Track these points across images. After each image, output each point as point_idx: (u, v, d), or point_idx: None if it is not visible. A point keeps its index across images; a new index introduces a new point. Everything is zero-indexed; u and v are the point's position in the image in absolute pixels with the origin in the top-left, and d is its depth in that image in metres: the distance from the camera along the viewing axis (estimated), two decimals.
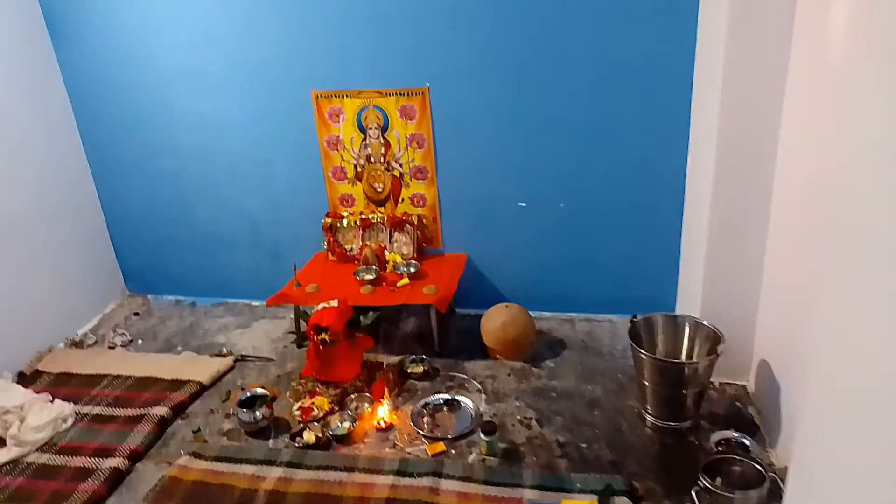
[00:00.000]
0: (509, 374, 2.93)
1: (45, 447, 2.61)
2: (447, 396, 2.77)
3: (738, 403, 2.63)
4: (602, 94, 2.89)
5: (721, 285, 2.60)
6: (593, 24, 2.77)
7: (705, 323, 2.55)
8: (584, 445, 2.48)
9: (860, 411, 1.12)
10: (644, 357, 2.44)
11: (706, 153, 2.52)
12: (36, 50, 3.30)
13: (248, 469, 2.43)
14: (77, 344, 3.40)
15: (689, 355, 2.60)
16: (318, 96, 3.16)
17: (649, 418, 2.56)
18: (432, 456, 2.46)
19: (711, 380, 2.63)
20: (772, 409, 2.41)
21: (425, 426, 2.62)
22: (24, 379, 3.07)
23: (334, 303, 2.89)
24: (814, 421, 1.36)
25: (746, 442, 2.35)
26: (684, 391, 2.42)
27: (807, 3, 2.08)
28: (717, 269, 2.59)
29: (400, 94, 3.07)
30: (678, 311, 2.96)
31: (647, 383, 2.49)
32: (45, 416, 2.67)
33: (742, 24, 2.21)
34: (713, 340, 2.49)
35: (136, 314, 3.72)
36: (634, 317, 2.62)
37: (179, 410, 2.81)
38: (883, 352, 1.03)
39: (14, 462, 2.54)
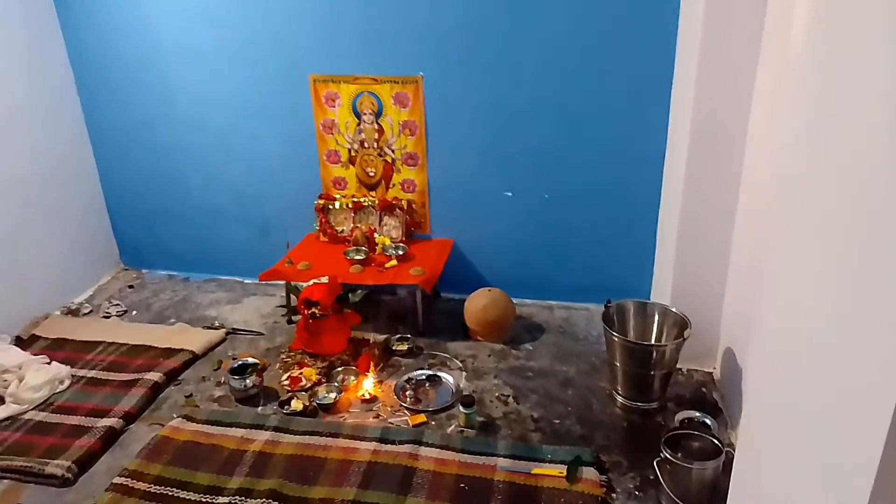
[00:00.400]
0: (489, 355, 3.07)
1: (42, 406, 2.72)
2: (429, 372, 2.91)
3: (703, 388, 2.79)
4: (585, 88, 3.02)
5: (690, 276, 2.75)
6: (579, 16, 2.89)
7: (674, 310, 2.70)
8: (556, 421, 2.62)
9: (794, 386, 1.25)
10: (615, 339, 2.59)
11: (680, 145, 2.66)
12: (40, 18, 3.36)
13: (238, 432, 2.56)
14: (73, 312, 3.50)
15: (658, 339, 2.75)
16: (315, 80, 3.27)
17: (619, 398, 2.71)
18: (413, 426, 2.60)
19: (680, 366, 2.78)
20: (734, 393, 2.57)
21: (408, 399, 2.75)
22: (22, 343, 3.16)
23: (324, 279, 3.01)
24: (757, 393, 1.50)
25: (708, 421, 2.51)
26: (652, 373, 2.57)
27: None
28: (687, 261, 2.73)
29: (394, 81, 3.19)
30: (652, 299, 3.11)
31: (617, 364, 2.64)
32: (42, 376, 2.78)
33: (716, 18, 2.34)
34: (681, 326, 2.64)
35: (131, 287, 3.82)
36: (609, 302, 2.77)
37: (172, 377, 2.92)
38: (813, 332, 1.16)
39: (11, 418, 2.64)
